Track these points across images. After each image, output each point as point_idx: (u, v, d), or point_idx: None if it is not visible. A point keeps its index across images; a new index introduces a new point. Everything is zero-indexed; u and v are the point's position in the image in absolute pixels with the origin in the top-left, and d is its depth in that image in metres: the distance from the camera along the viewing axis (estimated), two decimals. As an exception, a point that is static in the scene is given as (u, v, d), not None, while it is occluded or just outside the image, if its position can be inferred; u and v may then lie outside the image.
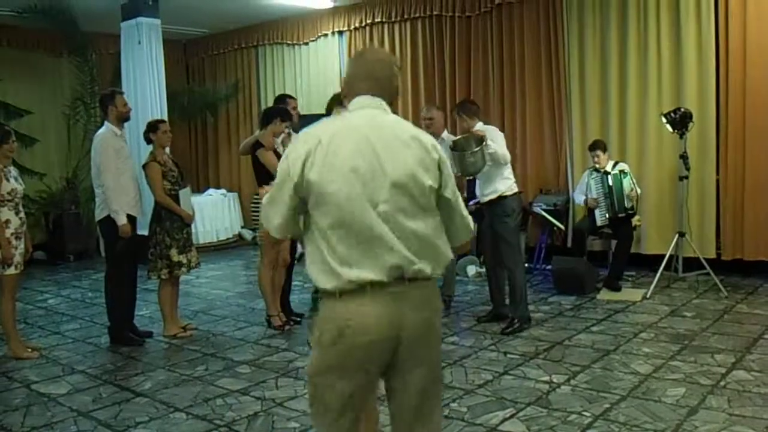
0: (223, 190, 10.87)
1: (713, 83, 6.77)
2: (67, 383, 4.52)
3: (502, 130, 6.48)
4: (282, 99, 6.03)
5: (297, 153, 2.05)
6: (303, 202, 2.07)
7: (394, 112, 2.23)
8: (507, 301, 5.57)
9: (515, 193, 5.36)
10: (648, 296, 6.19)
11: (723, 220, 6.86)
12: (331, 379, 2.06)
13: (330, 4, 9.49)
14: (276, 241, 5.52)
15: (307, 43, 10.21)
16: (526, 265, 7.49)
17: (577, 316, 5.74)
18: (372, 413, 2.65)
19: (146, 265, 5.44)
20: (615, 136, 7.35)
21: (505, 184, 5.30)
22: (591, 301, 6.18)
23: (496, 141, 5.20)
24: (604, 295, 6.34)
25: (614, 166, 6.71)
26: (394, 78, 2.24)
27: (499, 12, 8.16)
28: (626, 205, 6.53)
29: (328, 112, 5.27)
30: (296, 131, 5.99)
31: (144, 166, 5.43)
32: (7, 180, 4.88)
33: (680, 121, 6.31)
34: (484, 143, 5.02)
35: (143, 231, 5.60)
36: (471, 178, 5.67)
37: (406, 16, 8.93)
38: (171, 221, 5.39)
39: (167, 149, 5.62)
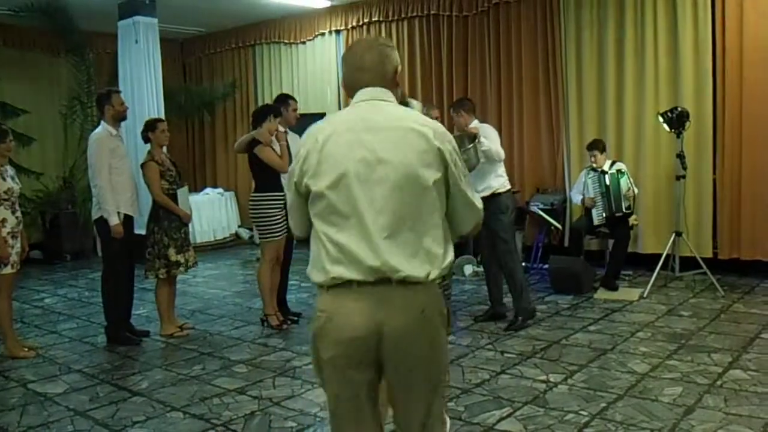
0: (220, 189, 10.88)
1: (710, 82, 6.78)
2: (63, 382, 4.51)
3: (499, 129, 6.50)
4: (283, 99, 5.98)
5: (299, 153, 2.09)
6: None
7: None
8: (504, 300, 5.57)
9: (508, 191, 5.44)
10: (645, 295, 6.20)
11: (720, 219, 6.87)
12: (327, 373, 2.09)
13: (327, 3, 9.48)
14: (276, 240, 5.52)
15: (304, 42, 10.20)
16: (524, 264, 7.52)
17: (574, 315, 5.75)
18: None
19: (143, 264, 5.44)
20: (612, 135, 7.36)
21: (498, 181, 5.37)
22: (588, 301, 6.19)
23: (489, 138, 5.23)
24: (601, 294, 6.35)
25: (611, 165, 6.72)
26: (386, 60, 2.17)
27: (497, 11, 8.16)
28: (623, 204, 6.53)
29: None
30: (294, 131, 5.99)
31: (142, 166, 5.42)
32: (4, 179, 4.87)
33: (677, 120, 6.31)
34: (477, 140, 5.04)
35: (140, 230, 5.60)
36: None
37: (403, 15, 8.93)
38: (169, 221, 5.38)
39: (164, 148, 5.61)
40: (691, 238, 6.61)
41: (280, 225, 5.50)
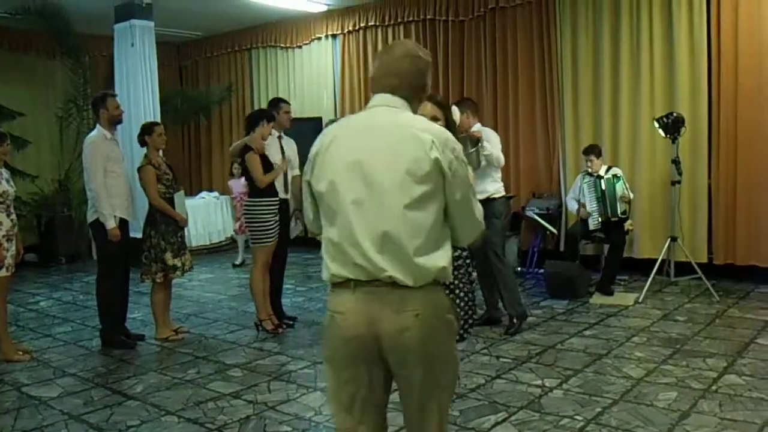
0: (216, 193, 10.87)
1: (705, 88, 6.81)
2: (58, 386, 4.50)
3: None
4: (275, 103, 5.99)
5: (310, 153, 2.18)
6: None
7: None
8: (499, 305, 5.58)
9: (503, 197, 5.45)
10: (640, 300, 6.21)
11: (715, 224, 6.89)
12: (330, 369, 2.18)
13: (324, 8, 9.50)
14: (268, 246, 5.51)
15: (300, 47, 10.21)
16: (519, 269, 7.54)
17: (569, 320, 5.75)
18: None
19: (138, 267, 5.43)
20: (607, 140, 7.37)
21: (494, 186, 5.37)
22: (583, 305, 6.19)
23: (491, 143, 5.24)
24: (597, 299, 6.35)
25: (607, 170, 6.73)
26: (416, 73, 2.15)
27: (493, 16, 8.18)
28: (619, 209, 6.54)
29: None
30: (289, 135, 6.00)
31: (139, 170, 5.41)
32: (-1, 182, 4.87)
33: (672, 125, 6.33)
34: (480, 144, 5.04)
35: (135, 234, 5.58)
36: None
37: (399, 20, 8.94)
38: (166, 224, 5.37)
39: (161, 152, 5.60)
40: (687, 244, 6.63)
41: (273, 231, 5.49)
